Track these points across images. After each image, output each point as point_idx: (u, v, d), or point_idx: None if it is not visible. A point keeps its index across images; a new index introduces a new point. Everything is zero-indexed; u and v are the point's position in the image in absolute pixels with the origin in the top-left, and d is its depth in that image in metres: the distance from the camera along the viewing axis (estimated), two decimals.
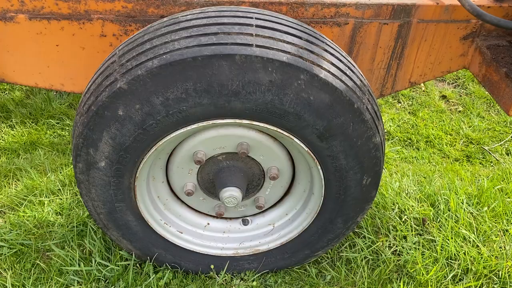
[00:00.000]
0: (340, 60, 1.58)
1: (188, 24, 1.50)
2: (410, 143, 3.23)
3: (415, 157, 3.07)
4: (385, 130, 3.32)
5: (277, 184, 1.90)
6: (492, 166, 3.02)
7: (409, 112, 3.61)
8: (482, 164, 3.04)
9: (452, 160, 3.07)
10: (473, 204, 2.44)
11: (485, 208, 2.39)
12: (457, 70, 2.08)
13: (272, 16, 1.58)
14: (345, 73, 1.56)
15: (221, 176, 1.79)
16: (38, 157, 2.85)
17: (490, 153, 3.12)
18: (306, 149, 1.63)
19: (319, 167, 1.69)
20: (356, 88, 1.57)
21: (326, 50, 1.56)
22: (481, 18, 1.71)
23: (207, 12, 1.56)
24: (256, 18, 1.54)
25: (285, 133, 1.59)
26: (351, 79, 1.57)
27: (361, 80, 1.63)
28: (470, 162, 3.06)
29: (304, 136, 1.59)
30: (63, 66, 1.98)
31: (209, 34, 1.46)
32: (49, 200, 2.42)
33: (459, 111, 3.64)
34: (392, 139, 3.24)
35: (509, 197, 2.53)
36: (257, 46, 1.44)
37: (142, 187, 1.77)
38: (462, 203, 2.41)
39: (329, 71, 1.50)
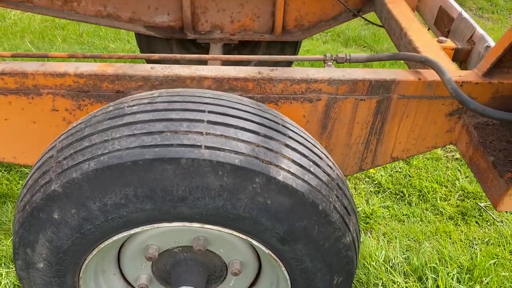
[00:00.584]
0: (304, 155, 1.41)
1: (132, 119, 1.34)
2: (402, 197, 3.04)
3: (406, 214, 2.88)
4: (376, 181, 3.14)
5: (242, 276, 1.73)
6: (488, 226, 2.82)
7: None
8: (478, 224, 2.84)
9: (446, 218, 2.87)
10: (464, 280, 2.25)
11: (477, 287, 2.20)
12: (443, 145, 1.90)
13: (228, 107, 1.42)
14: (308, 170, 1.39)
15: (176, 271, 1.63)
16: (5, 213, 2.71)
17: (486, 210, 2.92)
18: (267, 251, 1.46)
19: (283, 268, 1.52)
20: (322, 186, 1.40)
21: (287, 145, 1.39)
22: (464, 104, 1.53)
23: (155, 102, 1.40)
24: (209, 112, 1.37)
25: (242, 235, 1.42)
26: (316, 176, 1.40)
27: (328, 175, 1.46)
28: (465, 221, 2.86)
29: (263, 239, 1.42)
30: (14, 140, 1.83)
31: (154, 133, 1.30)
32: (8, 271, 2.26)
33: (456, 159, 3.45)
34: (383, 192, 3.05)
35: (504, 270, 2.34)
36: (207, 147, 1.28)
37: (89, 284, 1.61)
38: (452, 279, 2.22)
39: (289, 171, 1.34)
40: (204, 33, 3.17)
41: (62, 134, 1.46)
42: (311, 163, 1.42)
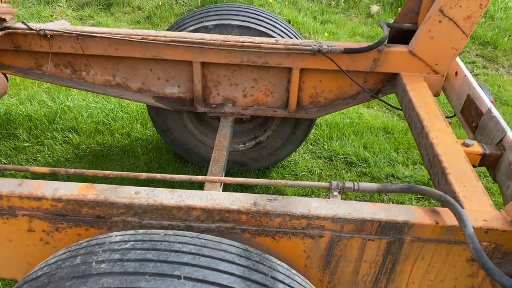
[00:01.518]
0: None
1: (96, 285, 1.17)
2: None
3: None
4: None
5: None
6: None
7: None
8: None
9: None
10: None
11: None
12: None
13: (209, 269, 1.23)
14: None
15: None
16: None
17: None
18: None
19: None
20: None
21: None
22: (489, 273, 1.30)
23: (126, 261, 1.23)
24: (185, 278, 1.19)
25: None
26: None
27: None
28: None
29: None
30: None
31: None
32: None
33: None
34: None
35: None
36: None
37: None
38: None
39: None
40: (216, 106, 3.03)
41: (24, 284, 1.30)
42: None
